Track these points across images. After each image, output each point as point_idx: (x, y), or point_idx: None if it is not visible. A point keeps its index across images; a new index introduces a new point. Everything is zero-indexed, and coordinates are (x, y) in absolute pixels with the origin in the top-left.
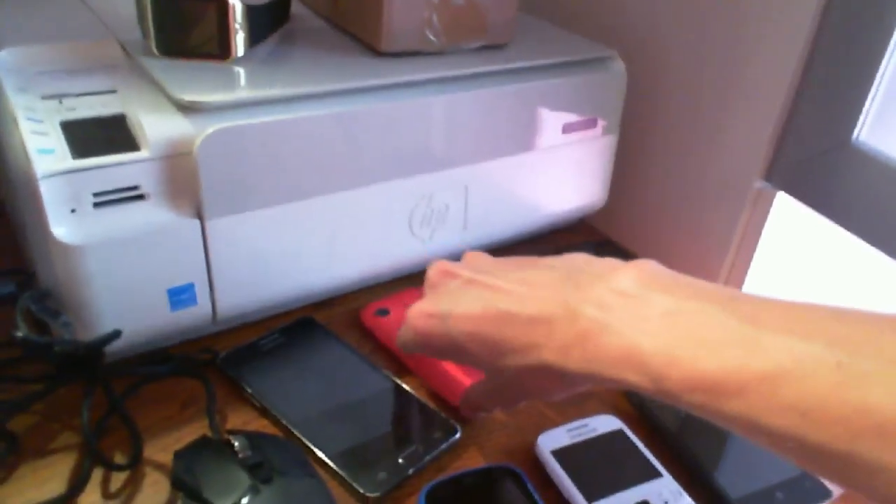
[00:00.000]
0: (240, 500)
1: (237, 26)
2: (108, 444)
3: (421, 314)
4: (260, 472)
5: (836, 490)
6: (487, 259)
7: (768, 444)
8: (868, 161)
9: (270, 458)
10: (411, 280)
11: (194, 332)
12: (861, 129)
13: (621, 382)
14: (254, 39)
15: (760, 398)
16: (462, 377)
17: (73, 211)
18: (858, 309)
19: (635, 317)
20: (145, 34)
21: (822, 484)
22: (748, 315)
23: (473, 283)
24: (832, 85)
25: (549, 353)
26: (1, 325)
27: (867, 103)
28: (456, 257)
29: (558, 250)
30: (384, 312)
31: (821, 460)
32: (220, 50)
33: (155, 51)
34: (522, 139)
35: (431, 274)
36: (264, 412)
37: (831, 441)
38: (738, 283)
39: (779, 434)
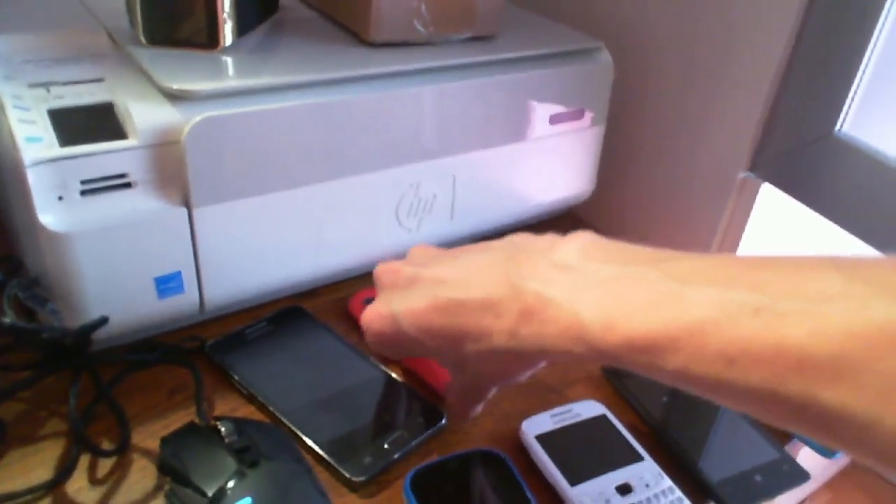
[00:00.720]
0: (226, 483)
1: (225, 16)
2: (95, 430)
3: (374, 316)
4: (246, 457)
5: (814, 472)
6: (430, 251)
7: (706, 394)
8: (850, 152)
9: (257, 443)
10: None
11: (182, 321)
12: (844, 120)
13: (568, 354)
14: (242, 29)
15: (691, 351)
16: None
17: (60, 199)
18: (785, 256)
19: (574, 287)
20: (133, 23)
21: (799, 467)
22: (677, 273)
23: (417, 278)
24: (816, 77)
25: (500, 336)
26: None
27: (850, 95)
28: (444, 246)
29: None
30: (372, 301)
31: (755, 403)
32: (209, 39)
33: (143, 39)
34: (510, 130)
35: (378, 274)
36: (251, 399)
37: (760, 384)
38: None
39: (712, 383)
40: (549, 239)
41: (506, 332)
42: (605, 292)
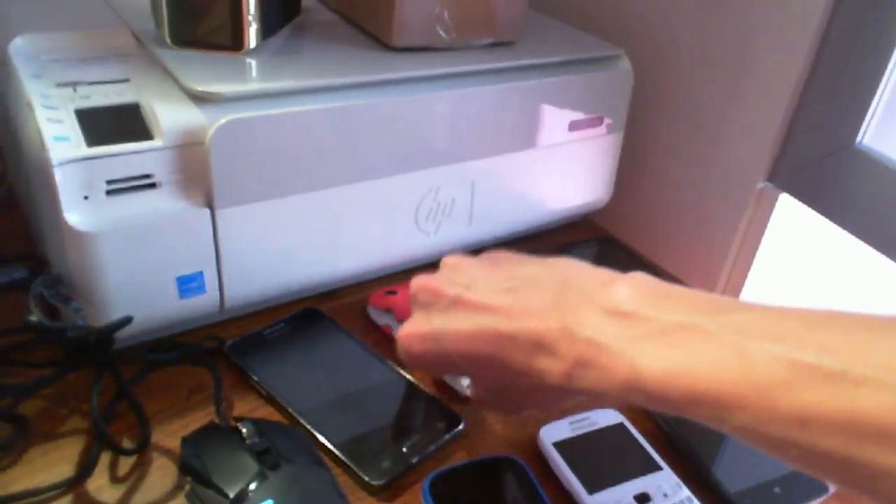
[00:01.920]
0: (248, 485)
1: (250, 18)
2: (115, 429)
3: (413, 337)
4: (267, 459)
5: (832, 486)
6: (469, 268)
7: (772, 452)
8: (871, 164)
9: (277, 445)
10: (414, 273)
11: (201, 320)
12: (865, 132)
13: (626, 400)
14: (266, 32)
15: (759, 410)
16: None
17: (86, 198)
18: (848, 312)
19: (632, 336)
20: (158, 24)
21: (819, 479)
22: (740, 326)
23: (461, 301)
24: (837, 88)
25: (554, 377)
26: (11, 309)
27: (872, 107)
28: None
29: (561, 248)
30: (393, 293)
31: (824, 466)
32: (233, 41)
33: (168, 41)
34: (529, 136)
35: (415, 292)
36: (270, 400)
37: (832, 448)
38: (740, 282)
39: (780, 443)
40: (601, 277)
41: (561, 375)
42: (662, 343)
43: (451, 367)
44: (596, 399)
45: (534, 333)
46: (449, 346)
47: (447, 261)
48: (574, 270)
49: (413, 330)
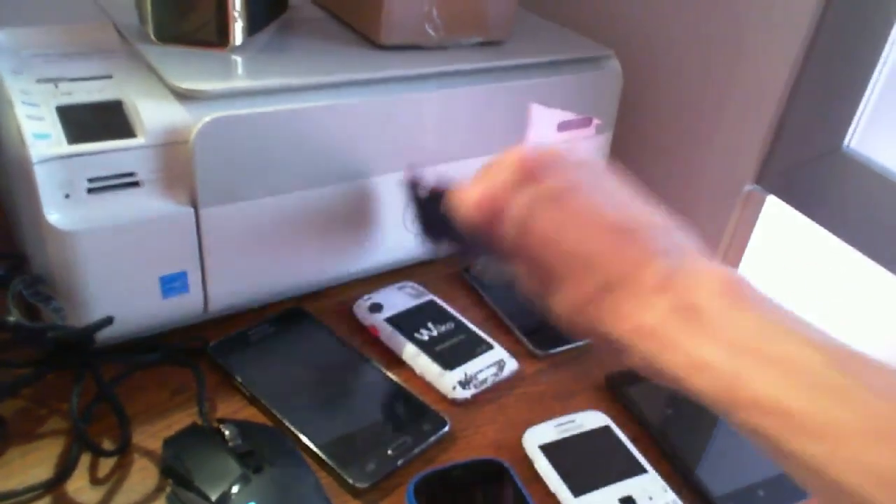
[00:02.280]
0: (230, 488)
1: (236, 14)
2: (96, 430)
3: (498, 200)
4: (250, 461)
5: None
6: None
7: (826, 495)
8: (858, 168)
9: (260, 447)
10: (402, 273)
11: (185, 320)
12: (852, 136)
13: (699, 392)
14: (252, 28)
15: (845, 451)
16: None
17: (67, 196)
18: None
19: (732, 344)
20: (143, 20)
21: None
22: (841, 363)
23: (574, 192)
24: (825, 91)
25: (634, 319)
26: None
27: (859, 111)
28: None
29: None
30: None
31: None
32: (219, 38)
33: (153, 37)
34: (518, 136)
35: (523, 160)
36: (253, 401)
37: None
38: None
39: (846, 489)
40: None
41: (650, 306)
42: (768, 363)
43: (509, 243)
44: (647, 369)
45: (654, 267)
46: (541, 221)
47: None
48: (678, 239)
49: (503, 192)
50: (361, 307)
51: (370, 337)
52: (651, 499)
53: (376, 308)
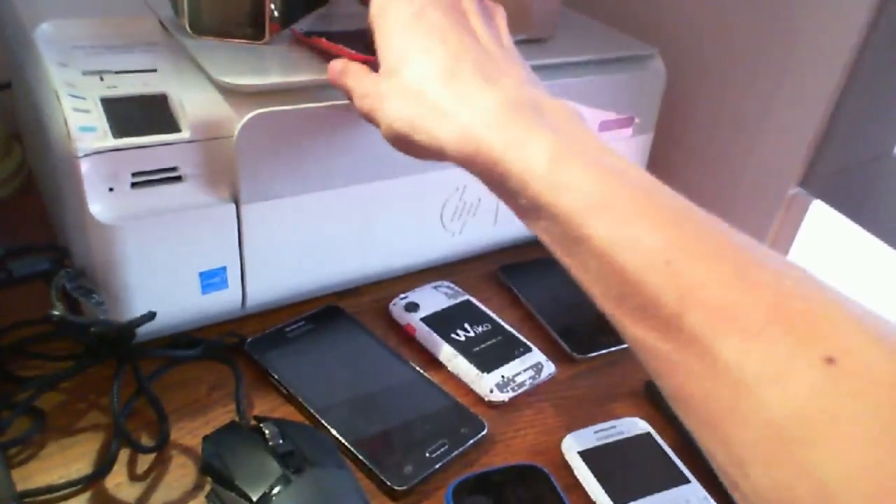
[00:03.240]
0: (271, 489)
1: (272, 7)
2: (134, 425)
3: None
4: (291, 462)
5: None
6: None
7: (607, 282)
8: None
9: (301, 448)
10: (437, 272)
11: (222, 316)
12: None
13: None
14: (288, 21)
15: (625, 231)
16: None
17: (111, 190)
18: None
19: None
20: (179, 13)
21: None
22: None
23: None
24: (875, 94)
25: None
26: (31, 300)
27: None
28: (486, 251)
29: None
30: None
31: (646, 313)
32: (254, 30)
33: (188, 30)
34: None
35: None
36: (290, 399)
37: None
38: None
39: (620, 268)
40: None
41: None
42: (582, 156)
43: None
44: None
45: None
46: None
47: None
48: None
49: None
50: (398, 306)
51: (406, 336)
52: None
53: (412, 307)
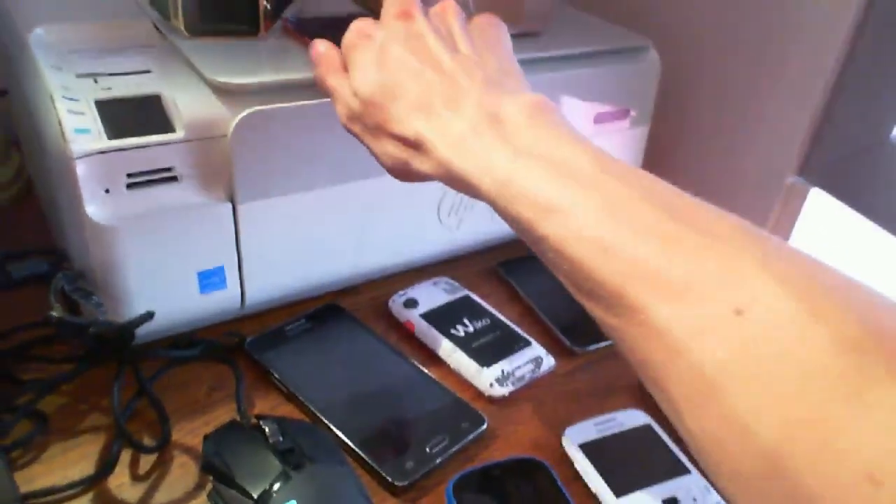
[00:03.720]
0: (271, 486)
1: (265, 0)
2: (135, 426)
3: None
4: (291, 459)
5: None
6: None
7: (565, 273)
8: None
9: (301, 445)
10: (436, 268)
11: (221, 316)
12: None
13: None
14: (279, 12)
15: (574, 225)
16: None
17: (107, 191)
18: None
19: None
20: (172, 15)
21: None
22: (604, 164)
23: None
24: (872, 81)
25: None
26: (30, 303)
27: None
28: (485, 246)
29: None
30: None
31: (597, 295)
32: (250, 27)
33: (184, 31)
34: None
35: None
36: (291, 397)
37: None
38: None
39: (577, 262)
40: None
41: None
42: (541, 163)
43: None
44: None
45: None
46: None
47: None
48: (501, 64)
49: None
50: (397, 303)
51: (406, 333)
52: (695, 500)
53: (412, 304)
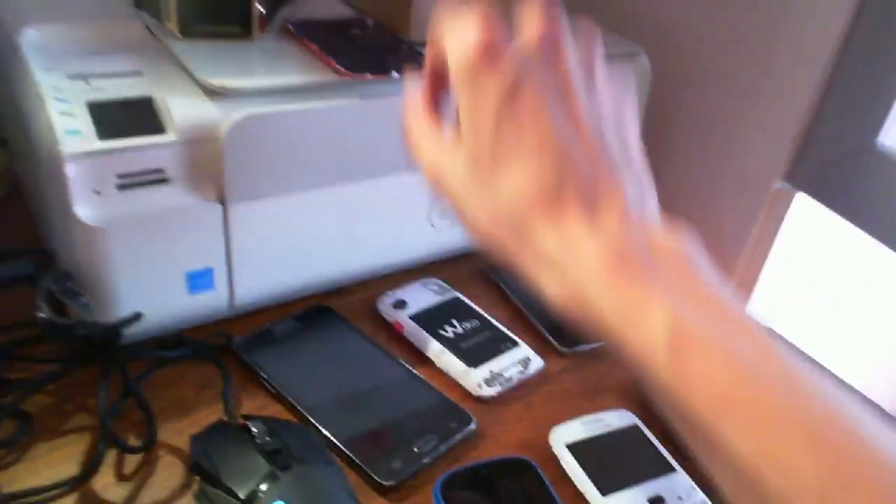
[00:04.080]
0: (258, 486)
1: (257, 3)
2: (122, 426)
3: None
4: (279, 459)
5: None
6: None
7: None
8: (891, 166)
9: (289, 445)
10: (425, 270)
11: (209, 317)
12: (886, 133)
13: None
14: (272, 14)
15: (777, 450)
16: None
17: (97, 192)
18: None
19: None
20: (165, 17)
21: None
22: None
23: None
24: (858, 88)
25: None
26: (17, 304)
27: (892, 108)
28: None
29: None
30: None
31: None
32: (243, 29)
33: (177, 33)
34: None
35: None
36: (279, 398)
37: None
38: (753, 281)
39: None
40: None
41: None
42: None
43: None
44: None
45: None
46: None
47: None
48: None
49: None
50: (385, 304)
51: (395, 333)
52: (680, 498)
53: (400, 305)
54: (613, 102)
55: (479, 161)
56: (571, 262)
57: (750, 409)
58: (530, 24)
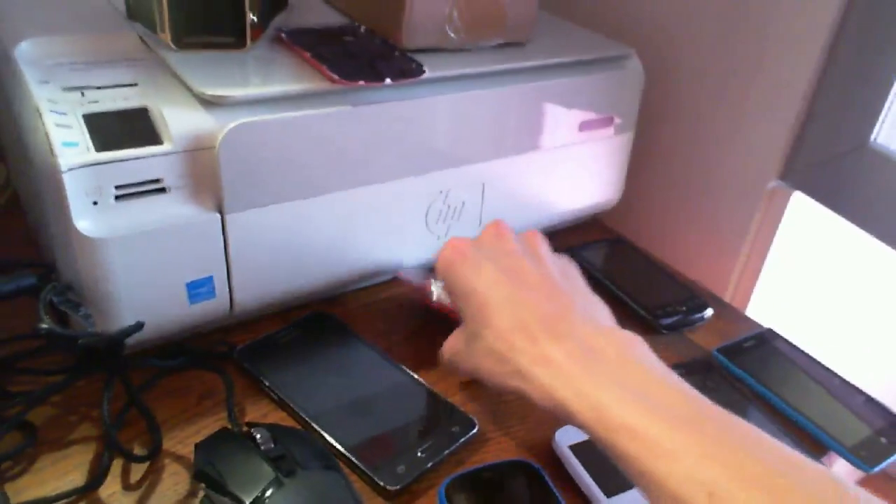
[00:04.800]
0: (263, 493)
1: (250, 13)
2: (126, 436)
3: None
4: (283, 465)
5: None
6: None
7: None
8: (886, 162)
9: (292, 451)
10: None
11: (210, 325)
12: (879, 130)
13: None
14: (266, 23)
15: (681, 468)
16: None
17: (95, 203)
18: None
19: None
20: (159, 28)
21: None
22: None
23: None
24: (851, 86)
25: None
26: (19, 316)
27: (886, 105)
28: None
29: (572, 250)
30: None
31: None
32: (236, 39)
33: (171, 44)
34: (539, 137)
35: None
36: (282, 405)
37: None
38: (751, 281)
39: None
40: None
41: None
42: (638, 399)
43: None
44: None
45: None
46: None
47: (495, 233)
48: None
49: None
50: (409, 271)
51: (396, 339)
52: None
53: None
54: (559, 263)
55: (471, 326)
56: (541, 374)
57: (666, 451)
58: (484, 230)
